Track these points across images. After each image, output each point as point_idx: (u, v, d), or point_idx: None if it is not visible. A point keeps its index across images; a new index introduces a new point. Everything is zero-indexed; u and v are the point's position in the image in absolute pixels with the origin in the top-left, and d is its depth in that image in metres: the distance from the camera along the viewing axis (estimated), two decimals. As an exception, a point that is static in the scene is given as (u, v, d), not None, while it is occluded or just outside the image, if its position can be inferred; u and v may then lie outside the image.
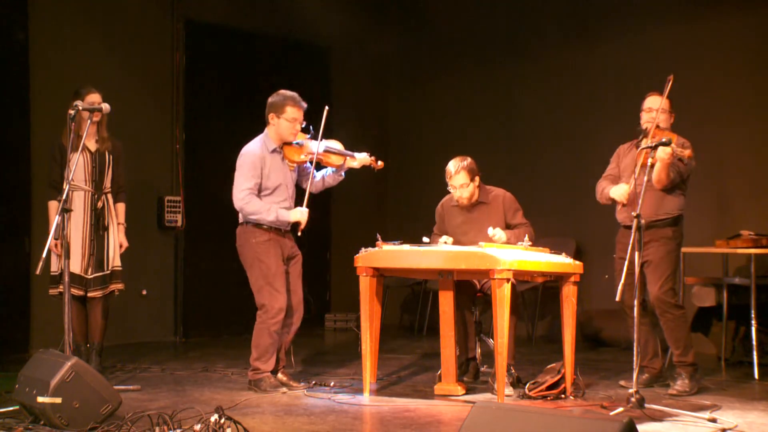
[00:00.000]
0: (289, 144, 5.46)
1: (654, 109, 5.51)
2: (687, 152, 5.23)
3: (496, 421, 3.13)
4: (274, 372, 5.45)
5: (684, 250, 5.86)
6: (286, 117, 5.39)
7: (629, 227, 5.51)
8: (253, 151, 5.39)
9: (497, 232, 5.37)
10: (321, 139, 5.45)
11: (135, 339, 7.71)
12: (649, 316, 5.61)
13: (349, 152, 5.57)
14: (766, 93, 7.21)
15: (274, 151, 5.43)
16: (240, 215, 5.45)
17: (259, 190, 5.37)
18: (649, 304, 5.55)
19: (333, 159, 5.52)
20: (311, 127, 5.46)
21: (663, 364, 5.61)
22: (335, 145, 5.56)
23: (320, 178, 5.64)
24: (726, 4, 7.44)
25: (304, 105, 5.46)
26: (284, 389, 5.34)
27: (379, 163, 5.62)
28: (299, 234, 5.41)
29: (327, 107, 5.46)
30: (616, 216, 5.68)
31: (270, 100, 5.47)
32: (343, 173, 5.62)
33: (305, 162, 5.52)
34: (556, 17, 8.54)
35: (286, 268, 5.46)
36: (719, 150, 7.16)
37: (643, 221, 4.85)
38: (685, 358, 5.42)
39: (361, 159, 5.58)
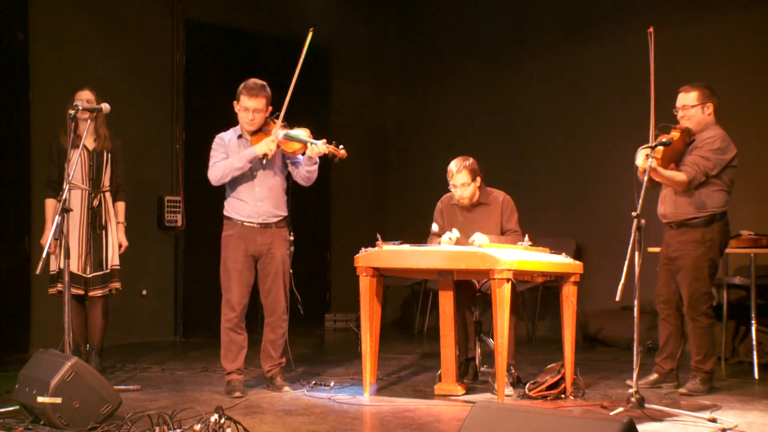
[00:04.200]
0: (258, 132, 5.31)
1: (678, 108, 5.41)
2: (652, 162, 4.91)
3: (496, 421, 3.12)
4: (270, 375, 5.43)
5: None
6: (240, 106, 5.28)
7: (669, 224, 5.47)
8: (220, 136, 5.42)
9: (477, 238, 5.35)
10: (284, 127, 5.29)
11: (135, 339, 7.71)
12: (680, 318, 5.52)
13: (311, 140, 5.28)
14: (765, 93, 7.21)
15: (239, 137, 5.35)
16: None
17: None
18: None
19: (292, 146, 5.28)
20: (278, 115, 5.30)
21: (674, 367, 5.54)
22: (299, 133, 5.33)
23: (299, 168, 5.39)
24: (726, 4, 7.45)
25: (262, 93, 5.23)
26: (237, 393, 5.20)
27: (342, 151, 5.30)
28: (263, 161, 5.23)
29: (311, 30, 5.26)
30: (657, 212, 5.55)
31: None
32: (316, 161, 5.32)
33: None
34: (556, 17, 8.55)
35: (252, 265, 5.35)
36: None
37: (643, 221, 4.79)
38: (703, 365, 5.37)
39: (318, 147, 5.23)
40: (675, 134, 5.26)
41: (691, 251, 5.35)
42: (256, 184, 5.33)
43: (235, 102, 5.33)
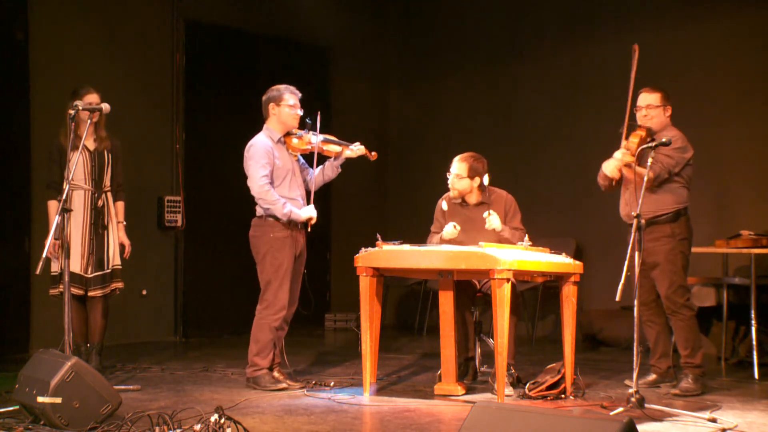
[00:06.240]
0: (290, 135, 5.63)
1: (642, 107, 5.51)
2: (629, 159, 5.16)
3: (496, 421, 3.12)
4: (270, 369, 5.49)
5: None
6: (287, 103, 5.58)
7: (630, 225, 5.49)
8: (261, 141, 5.55)
9: (493, 216, 5.39)
10: (318, 131, 5.61)
11: (135, 339, 7.71)
12: (663, 316, 5.56)
13: (345, 143, 5.73)
14: (765, 93, 7.21)
15: (279, 141, 5.58)
16: (257, 208, 5.53)
17: (272, 180, 5.49)
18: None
19: (332, 148, 5.68)
20: (308, 120, 5.61)
21: (670, 365, 5.57)
22: (331, 137, 5.73)
23: (319, 172, 5.74)
24: (725, 5, 7.45)
25: (299, 94, 5.66)
26: (284, 385, 5.39)
27: (373, 153, 5.76)
28: (308, 230, 5.55)
29: (318, 113, 5.59)
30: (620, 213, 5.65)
31: (266, 95, 5.64)
32: (339, 166, 5.75)
33: (307, 151, 5.67)
34: (556, 17, 8.55)
35: (295, 266, 5.54)
36: (719, 150, 7.16)
37: (643, 221, 4.83)
38: (693, 359, 5.39)
39: (356, 149, 5.71)
40: (641, 132, 5.39)
41: (662, 246, 5.41)
42: (300, 187, 5.63)
43: (272, 105, 5.59)
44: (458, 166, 5.61)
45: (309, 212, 5.52)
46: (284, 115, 5.58)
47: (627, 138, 5.35)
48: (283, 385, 5.40)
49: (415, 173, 9.47)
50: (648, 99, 5.51)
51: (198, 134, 8.29)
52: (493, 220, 5.43)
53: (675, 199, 5.44)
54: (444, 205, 5.73)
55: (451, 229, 5.47)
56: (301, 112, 5.63)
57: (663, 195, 5.43)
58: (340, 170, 5.77)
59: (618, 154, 5.29)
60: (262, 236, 5.48)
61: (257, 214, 5.54)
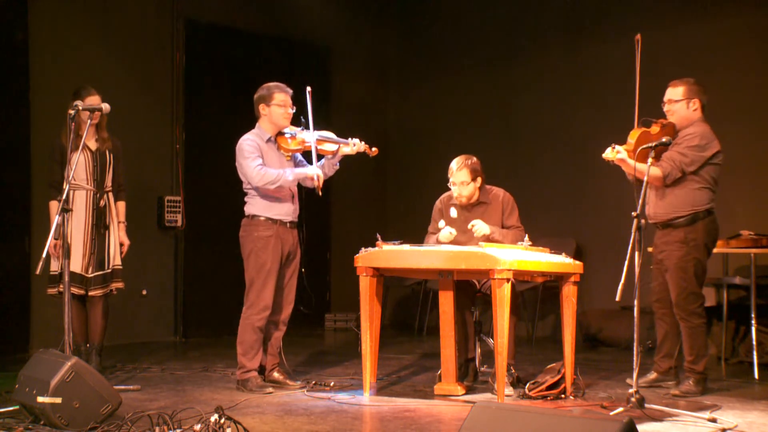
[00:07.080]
0: (282, 135, 5.51)
1: (665, 101, 5.40)
2: (612, 156, 5.04)
3: (496, 421, 3.12)
4: (262, 371, 5.48)
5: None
6: (276, 102, 5.46)
7: (656, 225, 5.45)
8: (247, 138, 5.45)
9: (477, 223, 5.34)
10: (313, 128, 5.47)
11: (135, 339, 7.71)
12: (674, 315, 5.47)
13: (343, 140, 5.56)
14: (765, 92, 7.21)
15: (268, 140, 5.48)
16: (245, 207, 5.47)
17: None
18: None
19: (328, 147, 5.52)
20: (302, 118, 5.49)
21: (672, 365, 5.54)
22: (328, 134, 5.57)
23: (323, 168, 5.59)
24: (724, 5, 7.45)
25: (290, 91, 5.54)
26: (270, 389, 5.32)
27: (374, 149, 5.59)
28: (320, 194, 5.43)
29: (309, 88, 5.45)
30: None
31: (256, 95, 5.54)
32: (338, 163, 5.59)
33: (300, 151, 5.54)
34: (555, 18, 8.55)
35: (283, 266, 5.47)
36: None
37: (643, 221, 4.81)
38: (696, 366, 5.34)
39: (355, 146, 5.54)
40: (655, 128, 5.27)
41: (674, 251, 5.32)
42: (293, 188, 5.51)
43: (262, 105, 5.49)
44: (460, 175, 5.53)
45: (313, 169, 5.41)
46: (275, 115, 5.47)
47: (661, 140, 5.10)
48: (269, 389, 5.31)
49: (414, 173, 9.48)
50: (669, 93, 5.39)
51: (198, 134, 8.29)
52: (478, 228, 5.35)
53: (691, 202, 5.27)
54: (441, 205, 5.72)
55: (446, 234, 5.43)
56: (293, 110, 5.51)
57: (678, 197, 5.28)
58: (338, 167, 5.61)
59: (607, 151, 5.16)
60: (248, 236, 5.43)
61: (245, 213, 5.49)
